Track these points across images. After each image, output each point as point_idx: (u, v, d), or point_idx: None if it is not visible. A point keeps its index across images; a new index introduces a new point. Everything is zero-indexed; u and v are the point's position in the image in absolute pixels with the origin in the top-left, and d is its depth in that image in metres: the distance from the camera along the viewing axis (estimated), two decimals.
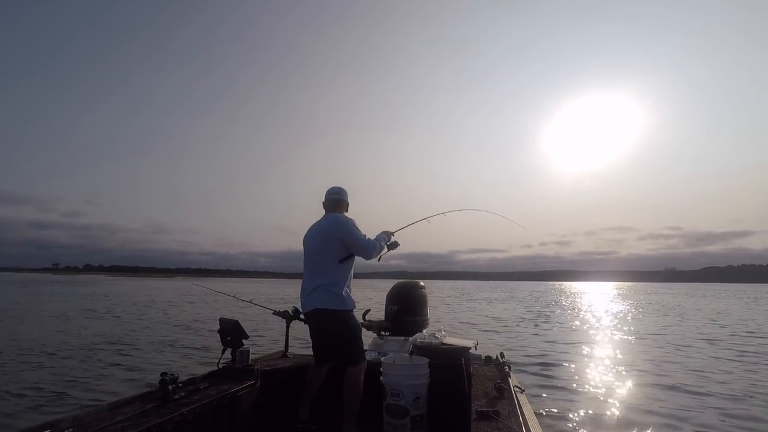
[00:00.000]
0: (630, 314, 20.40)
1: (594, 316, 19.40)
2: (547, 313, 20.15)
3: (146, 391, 2.63)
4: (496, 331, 12.91)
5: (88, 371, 7.10)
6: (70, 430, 2.07)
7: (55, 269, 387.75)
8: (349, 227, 3.15)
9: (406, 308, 3.87)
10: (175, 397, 2.56)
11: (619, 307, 25.94)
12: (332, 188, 3.39)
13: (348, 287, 3.13)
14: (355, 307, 3.15)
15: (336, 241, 3.09)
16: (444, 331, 3.59)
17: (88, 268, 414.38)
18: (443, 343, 3.33)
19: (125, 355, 8.54)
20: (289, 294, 35.31)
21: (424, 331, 3.80)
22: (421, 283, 4.07)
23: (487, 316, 17.73)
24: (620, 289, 75.56)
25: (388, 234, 3.46)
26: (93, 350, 8.98)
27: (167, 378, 2.62)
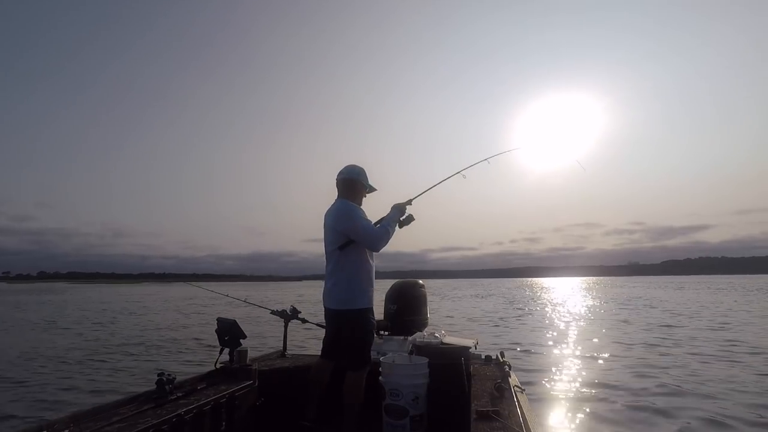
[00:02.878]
0: (606, 309, 20.60)
1: (573, 312, 19.47)
2: (527, 310, 20.18)
3: (143, 392, 2.60)
4: (486, 330, 12.90)
5: (82, 375, 7.08)
6: (67, 431, 2.04)
7: (6, 277, 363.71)
8: (352, 217, 2.86)
9: (405, 307, 3.84)
10: (172, 398, 2.54)
11: (594, 302, 26.27)
12: (345, 167, 3.04)
13: (362, 280, 2.89)
14: (369, 304, 2.92)
15: (339, 234, 2.87)
16: (444, 330, 3.57)
17: (43, 276, 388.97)
18: (443, 343, 3.31)
19: (120, 360, 8.51)
20: (257, 297, 34.22)
21: (424, 330, 3.78)
22: (421, 282, 4.04)
23: (463, 317, 17.66)
24: (588, 284, 76.20)
25: (400, 208, 3.04)
26: (86, 356, 8.94)
27: (164, 378, 2.60)
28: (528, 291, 46.09)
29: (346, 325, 2.90)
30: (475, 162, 3.44)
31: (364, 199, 3.10)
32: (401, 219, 3.03)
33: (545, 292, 42.42)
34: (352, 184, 3.02)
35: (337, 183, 3.04)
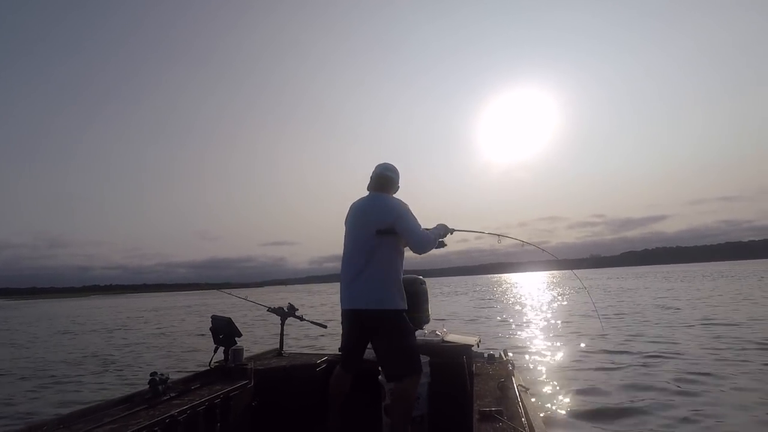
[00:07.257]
0: (588, 303, 20.63)
1: (560, 307, 19.43)
2: (508, 309, 20.06)
3: (135, 392, 2.52)
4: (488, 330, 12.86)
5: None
6: None
7: None
8: (405, 213, 2.68)
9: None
10: (165, 398, 2.46)
11: (574, 296, 26.32)
12: (383, 164, 2.89)
13: (398, 277, 2.67)
14: (405, 306, 2.67)
15: (382, 226, 2.64)
16: (445, 328, 3.50)
17: None
18: (444, 341, 3.24)
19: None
20: (215, 306, 30.45)
21: (425, 328, 3.70)
22: (421, 278, 3.96)
23: (446, 316, 17.60)
24: (557, 278, 76.89)
25: (445, 229, 2.97)
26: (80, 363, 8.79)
27: (157, 378, 2.52)
28: (501, 287, 46.24)
29: (385, 328, 2.59)
30: (515, 237, 3.58)
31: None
32: (441, 239, 2.94)
33: (519, 288, 42.67)
34: (391, 183, 2.88)
35: (377, 177, 2.86)
